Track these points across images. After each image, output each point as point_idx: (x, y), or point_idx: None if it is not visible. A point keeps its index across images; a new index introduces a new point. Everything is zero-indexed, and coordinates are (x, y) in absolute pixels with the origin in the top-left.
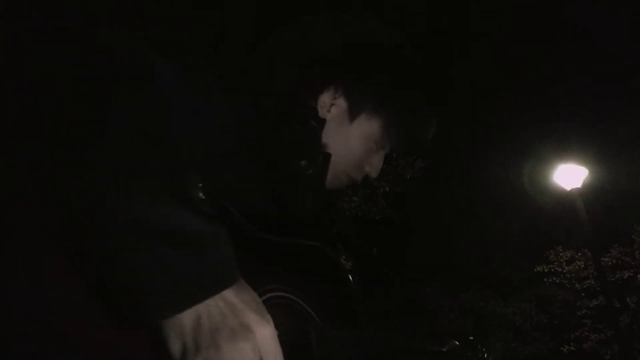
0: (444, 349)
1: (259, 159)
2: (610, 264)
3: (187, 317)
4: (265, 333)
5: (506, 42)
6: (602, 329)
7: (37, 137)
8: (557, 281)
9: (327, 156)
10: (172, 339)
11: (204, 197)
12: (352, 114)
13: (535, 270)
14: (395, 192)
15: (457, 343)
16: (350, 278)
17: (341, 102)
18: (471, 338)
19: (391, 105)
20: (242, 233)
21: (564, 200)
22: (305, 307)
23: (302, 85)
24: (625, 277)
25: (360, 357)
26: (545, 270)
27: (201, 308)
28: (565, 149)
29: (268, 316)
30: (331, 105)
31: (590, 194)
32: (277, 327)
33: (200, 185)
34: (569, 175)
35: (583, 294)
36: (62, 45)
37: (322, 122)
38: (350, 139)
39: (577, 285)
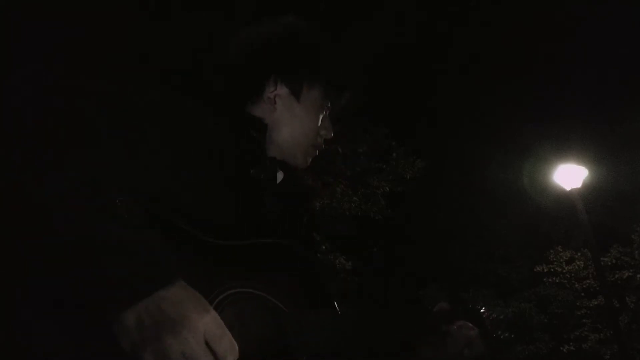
0: (434, 309)
1: (215, 171)
2: (609, 263)
3: (129, 316)
4: (206, 320)
5: (506, 42)
6: (602, 329)
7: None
8: (557, 281)
9: (273, 160)
10: (120, 337)
11: (128, 211)
12: (296, 93)
13: (535, 270)
14: (395, 192)
15: (446, 303)
16: (315, 265)
17: (282, 89)
18: (462, 294)
19: (321, 72)
20: (195, 242)
21: (564, 200)
22: (270, 299)
23: (241, 91)
24: (624, 276)
25: (338, 334)
26: (545, 270)
27: (140, 307)
28: (565, 149)
29: (208, 306)
30: (275, 97)
31: (590, 194)
32: (244, 317)
33: (125, 200)
34: (569, 175)
35: (583, 294)
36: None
37: (264, 128)
38: (304, 113)
39: (576, 285)
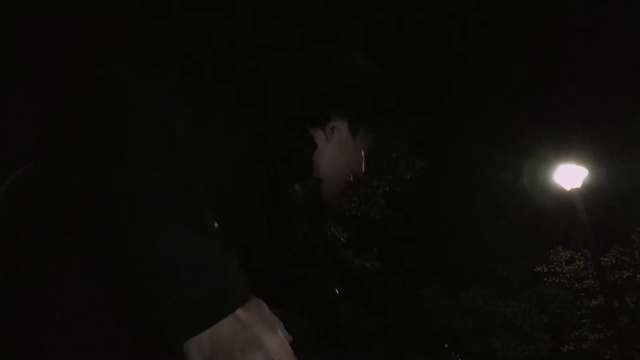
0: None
1: (259, 186)
2: (609, 263)
3: (204, 336)
4: (274, 342)
5: (507, 42)
6: (602, 329)
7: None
8: (557, 281)
9: (318, 181)
10: (192, 356)
11: (217, 226)
12: (354, 130)
13: (535, 270)
14: (395, 192)
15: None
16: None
17: (343, 124)
18: (462, 294)
19: (379, 121)
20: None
21: (564, 200)
22: (302, 324)
23: (302, 117)
24: (624, 276)
25: None
26: (545, 270)
27: (216, 326)
28: (565, 149)
29: (277, 328)
30: (334, 128)
31: (590, 194)
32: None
33: (214, 216)
34: (569, 175)
35: (583, 294)
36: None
37: (314, 146)
38: (352, 151)
39: (576, 285)
